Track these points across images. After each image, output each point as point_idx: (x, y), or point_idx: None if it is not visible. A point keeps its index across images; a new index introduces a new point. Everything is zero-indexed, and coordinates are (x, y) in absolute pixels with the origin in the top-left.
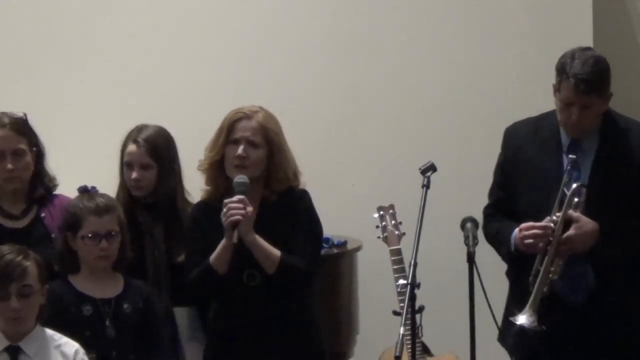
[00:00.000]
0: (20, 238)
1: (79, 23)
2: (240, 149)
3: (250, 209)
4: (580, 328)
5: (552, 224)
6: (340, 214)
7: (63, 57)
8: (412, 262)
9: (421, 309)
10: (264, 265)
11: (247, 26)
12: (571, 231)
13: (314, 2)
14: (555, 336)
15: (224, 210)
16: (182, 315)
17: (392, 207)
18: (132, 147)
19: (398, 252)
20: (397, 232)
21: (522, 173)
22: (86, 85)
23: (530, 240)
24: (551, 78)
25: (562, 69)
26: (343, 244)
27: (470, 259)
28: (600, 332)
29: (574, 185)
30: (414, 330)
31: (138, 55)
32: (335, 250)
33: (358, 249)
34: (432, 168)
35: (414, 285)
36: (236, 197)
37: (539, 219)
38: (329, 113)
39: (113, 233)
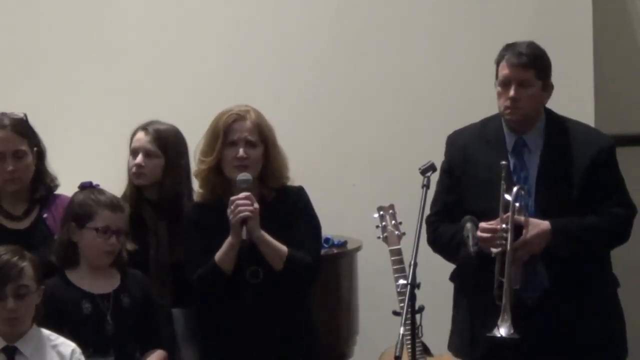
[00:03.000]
0: (22, 239)
1: (79, 23)
2: (240, 151)
3: (257, 205)
4: (535, 326)
5: (498, 227)
6: (340, 214)
7: (64, 57)
8: (412, 262)
9: (421, 309)
10: (272, 261)
11: (248, 27)
12: (524, 236)
13: (314, 3)
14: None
15: (231, 207)
16: (180, 318)
17: (392, 207)
18: (140, 135)
19: (398, 252)
20: (397, 232)
21: (470, 175)
22: (87, 86)
23: (485, 240)
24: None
25: (501, 54)
26: (343, 244)
27: (470, 259)
28: (556, 331)
29: (515, 189)
30: (414, 330)
31: (139, 55)
32: (335, 250)
33: (358, 249)
34: (432, 168)
35: (414, 285)
36: (242, 194)
37: (488, 220)
38: (329, 113)
39: (122, 232)
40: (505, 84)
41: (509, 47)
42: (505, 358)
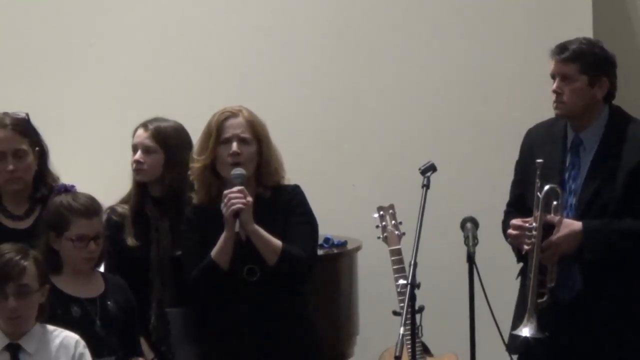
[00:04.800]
0: (23, 238)
1: (80, 23)
2: (234, 145)
3: (250, 198)
4: (565, 327)
5: (527, 224)
6: (340, 214)
7: (65, 57)
8: (412, 262)
9: (421, 309)
10: (266, 255)
11: (248, 27)
12: (553, 236)
13: (314, 3)
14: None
15: (225, 201)
16: (177, 318)
17: (392, 207)
18: (139, 131)
19: (398, 252)
20: (397, 232)
21: (533, 170)
22: (88, 86)
23: (512, 237)
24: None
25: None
26: (343, 244)
27: (470, 259)
28: (589, 332)
29: (546, 187)
30: (414, 330)
31: (139, 55)
32: (335, 250)
33: (358, 249)
34: (432, 168)
35: (414, 285)
36: (235, 188)
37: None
38: (329, 113)
39: (100, 235)
40: (552, 78)
41: (560, 44)
42: (536, 356)
